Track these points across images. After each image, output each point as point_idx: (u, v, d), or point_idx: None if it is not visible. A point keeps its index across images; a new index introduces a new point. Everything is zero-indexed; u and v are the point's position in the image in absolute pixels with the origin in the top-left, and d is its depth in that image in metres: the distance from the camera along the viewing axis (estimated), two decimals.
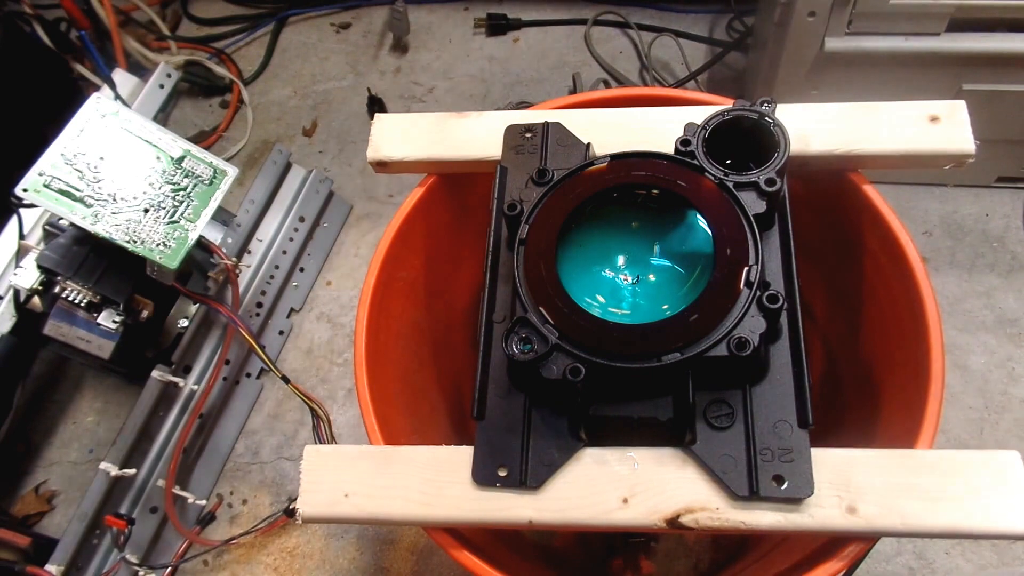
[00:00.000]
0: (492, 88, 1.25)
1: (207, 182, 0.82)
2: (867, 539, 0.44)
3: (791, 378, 0.44)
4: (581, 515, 0.44)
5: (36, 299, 0.83)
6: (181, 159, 0.81)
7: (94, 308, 0.82)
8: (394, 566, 0.88)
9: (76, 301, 0.80)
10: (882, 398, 0.60)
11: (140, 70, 1.22)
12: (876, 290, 0.60)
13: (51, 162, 0.75)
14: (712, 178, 0.47)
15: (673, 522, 0.42)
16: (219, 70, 1.27)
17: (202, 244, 0.85)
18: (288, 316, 1.05)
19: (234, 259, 0.93)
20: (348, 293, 1.08)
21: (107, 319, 0.82)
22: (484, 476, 0.45)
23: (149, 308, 0.86)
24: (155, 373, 0.90)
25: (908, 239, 0.54)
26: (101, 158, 0.77)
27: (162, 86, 1.14)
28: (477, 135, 0.58)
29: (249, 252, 1.03)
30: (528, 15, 1.32)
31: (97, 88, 1.11)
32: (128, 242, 0.76)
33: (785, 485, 0.41)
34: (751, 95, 0.55)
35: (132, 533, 0.85)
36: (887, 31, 0.85)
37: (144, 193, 0.78)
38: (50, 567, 0.81)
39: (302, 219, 1.08)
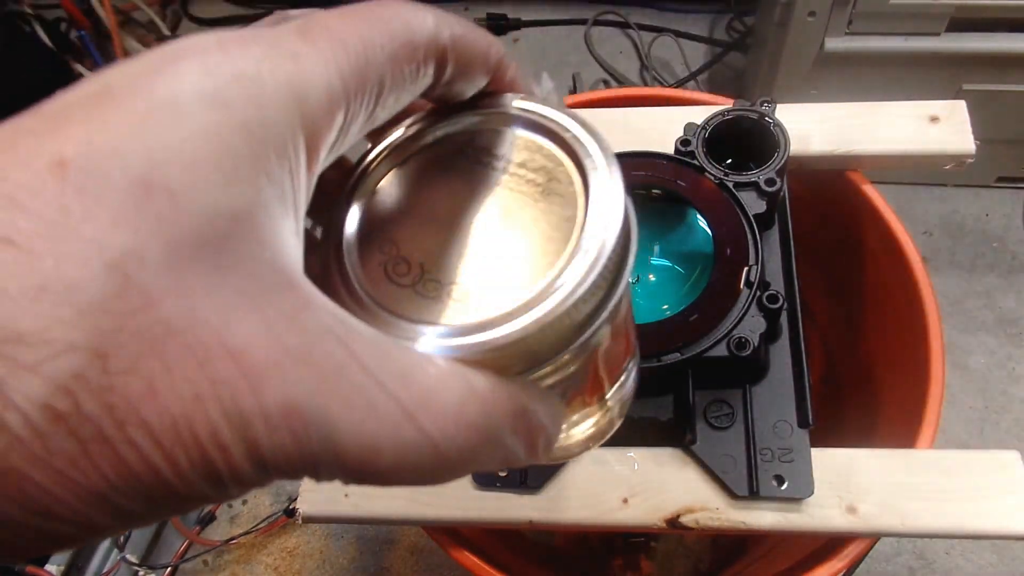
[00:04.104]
0: None
1: None
2: (867, 539, 0.44)
3: (791, 378, 0.44)
4: (581, 515, 0.44)
5: None
6: None
7: None
8: (394, 566, 0.88)
9: None
10: (882, 398, 0.60)
11: None
12: (876, 290, 0.60)
13: None
14: (712, 178, 0.47)
15: (673, 522, 0.42)
16: None
17: None
18: None
19: None
20: None
21: None
22: (484, 476, 0.45)
23: None
24: None
25: (908, 239, 0.54)
26: None
27: None
28: None
29: None
30: (528, 15, 1.32)
31: None
32: None
33: (785, 485, 0.41)
34: (751, 95, 0.55)
35: (132, 533, 0.85)
36: (887, 31, 0.85)
37: None
38: (50, 567, 0.81)
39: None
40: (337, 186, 0.20)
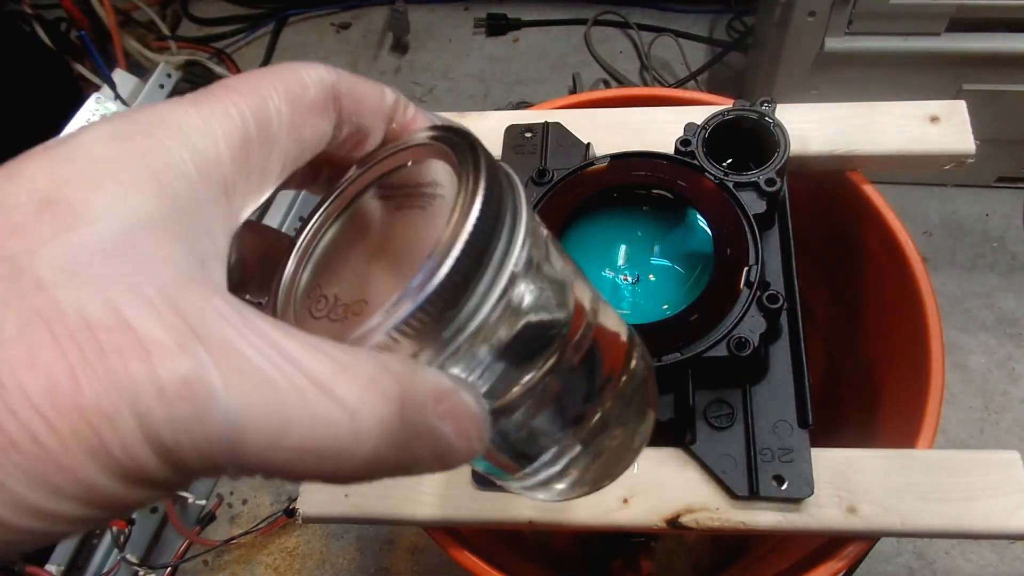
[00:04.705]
0: (492, 88, 1.25)
1: None
2: (867, 539, 0.44)
3: (791, 378, 0.44)
4: (581, 515, 0.44)
5: None
6: None
7: None
8: (394, 566, 0.88)
9: None
10: (882, 398, 0.60)
11: (140, 70, 1.22)
12: (876, 290, 0.60)
13: None
14: (712, 178, 0.47)
15: (673, 522, 0.42)
16: (219, 70, 1.27)
17: None
18: None
19: None
20: None
21: None
22: (484, 476, 0.45)
23: None
24: None
25: (908, 239, 0.54)
26: None
27: (162, 86, 1.15)
28: (477, 135, 0.58)
29: None
30: (528, 15, 1.32)
31: (97, 88, 1.11)
32: None
33: (785, 485, 0.41)
34: (751, 95, 0.55)
35: (132, 533, 0.85)
36: (887, 31, 0.85)
37: None
38: (50, 567, 0.81)
39: (302, 219, 1.08)
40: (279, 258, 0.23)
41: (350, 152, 0.23)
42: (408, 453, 0.17)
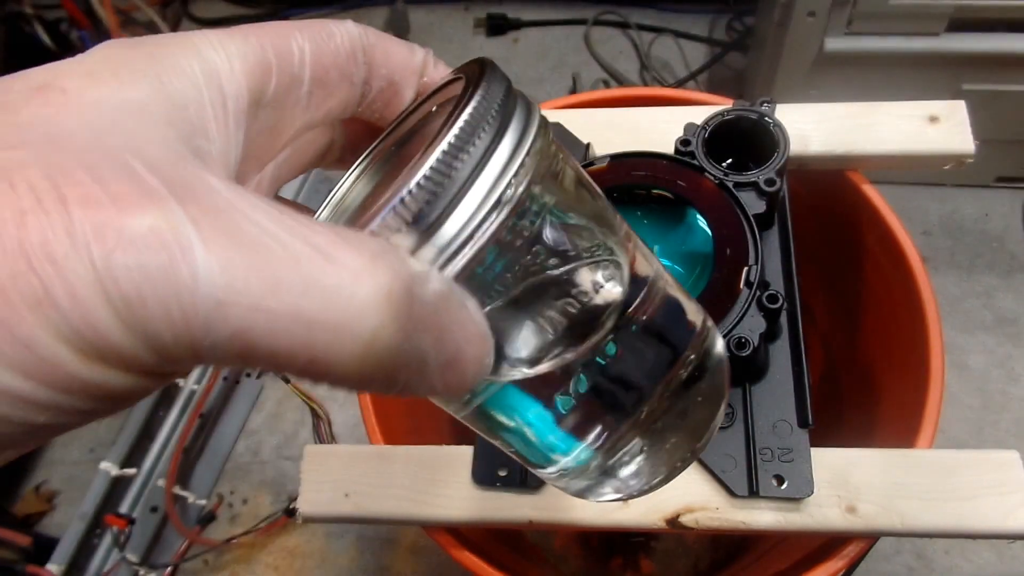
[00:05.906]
0: None
1: None
2: (867, 539, 0.44)
3: (791, 378, 0.44)
4: (581, 515, 0.44)
5: None
6: None
7: None
8: (394, 566, 0.88)
9: None
10: (882, 398, 0.60)
11: None
12: (876, 290, 0.60)
13: None
14: (712, 178, 0.47)
15: (673, 522, 0.42)
16: None
17: None
18: None
19: None
20: None
21: None
22: (484, 476, 0.45)
23: None
24: None
25: (907, 239, 0.54)
26: None
27: None
28: None
29: None
30: (528, 15, 1.32)
31: None
32: None
33: (785, 485, 0.41)
34: (751, 95, 0.55)
35: (132, 532, 0.85)
36: (887, 31, 0.85)
37: None
38: (51, 566, 0.81)
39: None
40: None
41: (383, 111, 0.22)
42: (414, 343, 0.15)
